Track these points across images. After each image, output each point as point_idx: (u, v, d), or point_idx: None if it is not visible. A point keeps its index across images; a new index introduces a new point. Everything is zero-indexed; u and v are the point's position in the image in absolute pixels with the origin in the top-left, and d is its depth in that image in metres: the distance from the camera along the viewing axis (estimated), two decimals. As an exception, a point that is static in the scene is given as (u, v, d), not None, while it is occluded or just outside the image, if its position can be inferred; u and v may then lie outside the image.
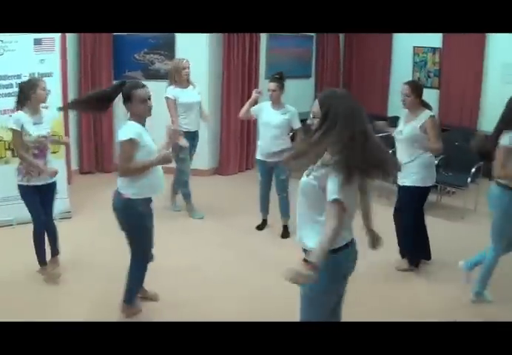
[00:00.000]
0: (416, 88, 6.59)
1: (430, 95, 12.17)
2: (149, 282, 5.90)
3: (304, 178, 3.82)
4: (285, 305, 5.06)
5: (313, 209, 3.82)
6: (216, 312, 5.69)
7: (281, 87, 7.67)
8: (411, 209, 6.77)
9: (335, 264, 3.78)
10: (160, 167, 5.31)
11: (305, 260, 3.46)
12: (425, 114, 6.55)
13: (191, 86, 8.21)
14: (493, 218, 5.94)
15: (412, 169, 6.53)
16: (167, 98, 8.01)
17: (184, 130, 7.92)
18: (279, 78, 7.69)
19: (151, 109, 5.16)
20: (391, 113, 12.65)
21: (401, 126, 6.70)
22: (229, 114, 10.51)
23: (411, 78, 12.47)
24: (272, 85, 7.64)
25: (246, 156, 11.09)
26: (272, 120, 7.66)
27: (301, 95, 12.54)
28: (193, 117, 8.21)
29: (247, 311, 5.77)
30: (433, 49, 12.28)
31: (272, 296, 6.10)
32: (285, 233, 8.01)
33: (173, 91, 8.05)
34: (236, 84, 10.50)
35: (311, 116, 3.80)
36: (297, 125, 7.80)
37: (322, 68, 13.10)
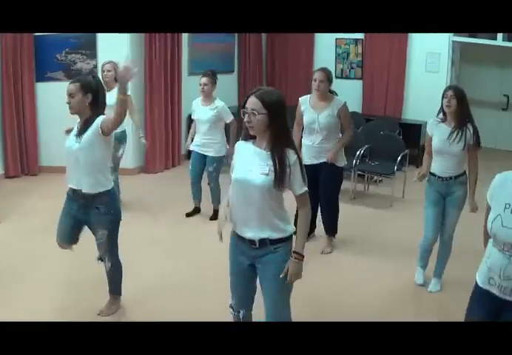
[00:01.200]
0: (329, 75, 6.76)
1: (353, 86, 12.33)
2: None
3: (262, 176, 3.81)
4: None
5: (275, 202, 3.92)
6: (154, 311, 5.58)
7: (213, 82, 7.81)
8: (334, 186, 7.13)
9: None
10: None
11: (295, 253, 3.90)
12: (338, 101, 6.76)
13: (115, 89, 7.97)
14: None
15: (325, 153, 6.80)
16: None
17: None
18: (211, 74, 7.83)
19: (68, 106, 4.99)
20: (315, 105, 12.72)
21: (312, 114, 6.76)
22: (153, 112, 10.36)
23: (334, 70, 12.54)
24: (204, 79, 7.75)
25: (171, 153, 10.98)
26: (202, 116, 7.84)
27: (225, 90, 12.46)
28: None
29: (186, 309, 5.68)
30: (356, 41, 12.37)
31: (208, 290, 6.01)
32: (215, 215, 8.12)
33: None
34: (159, 82, 10.36)
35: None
36: (229, 118, 7.89)
37: (245, 62, 13.06)
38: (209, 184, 8.21)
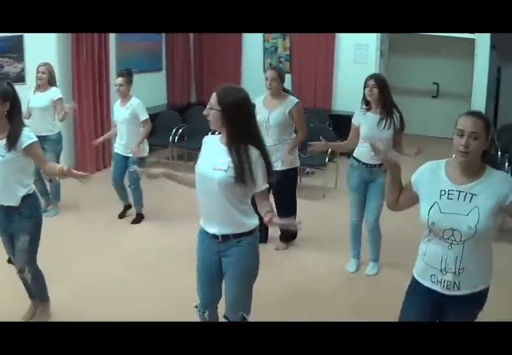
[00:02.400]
0: (281, 73, 6.78)
1: (283, 80, 12.34)
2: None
3: (220, 172, 3.80)
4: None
5: (236, 198, 3.90)
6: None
7: (128, 82, 7.70)
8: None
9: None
10: None
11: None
12: (291, 100, 6.72)
13: (47, 91, 7.91)
14: None
15: (280, 153, 6.65)
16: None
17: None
18: (126, 73, 7.75)
19: None
20: (245, 100, 12.69)
21: (264, 112, 6.69)
22: (82, 113, 10.18)
23: (262, 65, 12.58)
24: (119, 80, 7.68)
25: (102, 154, 10.84)
26: (119, 116, 7.81)
27: (153, 89, 12.41)
28: (35, 122, 7.63)
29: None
30: (283, 35, 12.38)
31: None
32: (137, 220, 8.14)
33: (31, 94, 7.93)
34: (86, 82, 10.20)
35: None
36: (143, 117, 7.81)
37: (173, 60, 12.95)
38: (129, 186, 8.08)
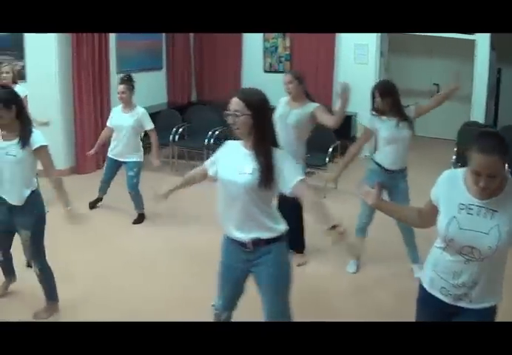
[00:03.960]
0: (297, 76, 6.50)
1: (282, 80, 12.34)
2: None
3: (246, 176, 3.76)
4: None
5: (262, 202, 3.86)
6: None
7: (130, 88, 7.75)
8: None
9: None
10: None
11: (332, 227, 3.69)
12: (313, 104, 6.47)
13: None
14: None
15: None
16: None
17: None
18: (127, 80, 7.77)
19: None
20: (245, 99, 12.70)
21: (286, 109, 6.50)
22: (82, 112, 10.20)
23: (262, 64, 12.60)
24: (122, 87, 7.70)
25: (103, 153, 10.81)
26: (123, 123, 7.82)
27: (153, 88, 12.42)
28: None
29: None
30: (283, 35, 12.38)
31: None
32: (139, 220, 8.19)
33: None
34: (87, 81, 10.19)
35: None
36: (149, 126, 7.95)
37: (173, 59, 12.96)
38: (130, 192, 8.13)
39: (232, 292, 4.22)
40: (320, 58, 11.95)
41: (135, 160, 7.95)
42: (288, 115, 6.39)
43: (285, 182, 3.72)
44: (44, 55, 9.71)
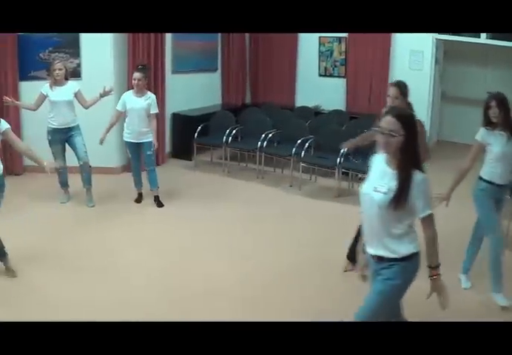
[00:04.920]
0: (404, 90, 6.15)
1: (337, 84, 12.35)
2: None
3: (380, 194, 3.79)
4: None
5: (390, 222, 3.86)
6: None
7: (145, 77, 8.47)
8: None
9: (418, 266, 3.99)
10: None
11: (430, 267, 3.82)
12: None
13: (64, 86, 8.25)
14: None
15: None
16: (40, 92, 8.28)
17: (53, 126, 8.33)
18: (143, 69, 8.48)
19: None
20: (298, 103, 12.72)
21: None
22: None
23: (317, 68, 12.60)
24: (138, 75, 8.34)
25: (156, 152, 10.90)
26: (136, 105, 8.41)
27: (208, 89, 12.50)
28: (60, 115, 8.29)
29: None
30: (339, 39, 12.35)
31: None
32: (160, 203, 8.72)
33: (46, 88, 8.27)
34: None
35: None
36: (154, 110, 8.59)
37: (229, 61, 12.99)
38: (150, 170, 8.69)
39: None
40: (374, 64, 11.89)
41: (150, 139, 8.53)
42: None
43: (416, 210, 3.75)
44: (100, 53, 9.85)
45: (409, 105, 6.14)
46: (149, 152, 8.59)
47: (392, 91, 6.08)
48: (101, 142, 8.33)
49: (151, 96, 8.53)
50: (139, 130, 8.47)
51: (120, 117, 8.59)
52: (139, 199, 8.90)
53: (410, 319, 4.26)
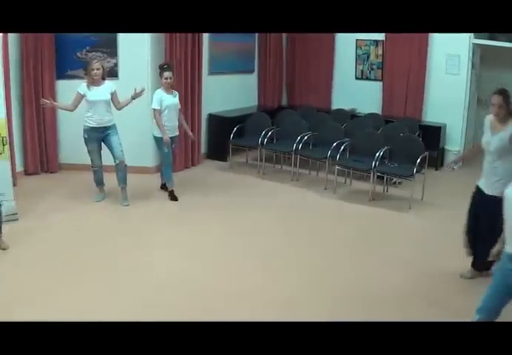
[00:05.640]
0: (508, 99, 5.94)
1: (373, 87, 12.33)
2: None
3: None
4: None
5: None
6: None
7: (174, 75, 9.03)
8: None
9: None
10: None
11: None
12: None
13: (102, 85, 8.38)
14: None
15: (496, 179, 6.02)
16: (77, 92, 8.37)
17: (90, 125, 8.39)
18: (169, 68, 8.98)
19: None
20: (334, 106, 12.72)
21: (488, 136, 6.12)
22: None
23: (354, 71, 12.59)
24: (169, 74, 8.84)
25: (191, 153, 10.99)
26: (171, 102, 8.90)
27: (245, 90, 12.55)
28: (98, 114, 8.39)
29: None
30: (376, 42, 12.33)
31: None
32: (174, 196, 9.13)
33: (83, 88, 8.36)
34: (179, 81, 10.31)
35: None
36: (179, 105, 9.23)
37: (266, 62, 13.04)
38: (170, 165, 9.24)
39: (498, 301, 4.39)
40: (411, 67, 11.84)
41: (178, 133, 9.25)
42: (489, 142, 6.07)
43: None
44: (137, 53, 9.95)
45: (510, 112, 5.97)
46: (173, 145, 9.25)
47: (496, 99, 5.95)
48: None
49: (177, 93, 9.11)
50: (175, 124, 9.04)
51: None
52: (172, 196, 9.10)
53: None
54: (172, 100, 8.88)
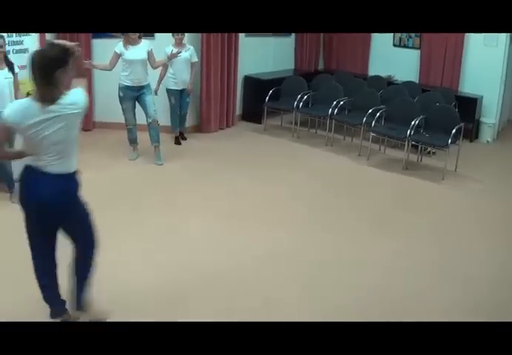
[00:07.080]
0: None
1: (411, 55, 12.22)
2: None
3: None
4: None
5: None
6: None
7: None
8: None
9: None
10: None
11: None
12: None
13: (138, 45, 8.40)
14: None
15: None
16: (114, 51, 8.44)
17: (126, 84, 8.51)
18: None
19: None
20: (371, 72, 12.64)
21: None
22: (209, 72, 10.29)
23: (391, 38, 12.48)
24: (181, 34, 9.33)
25: (226, 114, 11.01)
26: (183, 55, 9.29)
27: (281, 53, 12.49)
28: (134, 74, 8.46)
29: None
30: (415, 9, 12.19)
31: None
32: (183, 137, 10.18)
33: (120, 47, 8.39)
34: (215, 42, 10.24)
35: None
36: (195, 59, 9.72)
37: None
38: (185, 113, 10.04)
39: None
40: (449, 38, 11.70)
41: (187, 87, 9.70)
42: None
43: None
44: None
45: None
46: (188, 99, 9.89)
47: None
48: (156, 92, 9.23)
49: (190, 48, 9.57)
50: (185, 77, 9.58)
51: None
52: (179, 139, 9.99)
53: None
54: (183, 54, 9.21)
